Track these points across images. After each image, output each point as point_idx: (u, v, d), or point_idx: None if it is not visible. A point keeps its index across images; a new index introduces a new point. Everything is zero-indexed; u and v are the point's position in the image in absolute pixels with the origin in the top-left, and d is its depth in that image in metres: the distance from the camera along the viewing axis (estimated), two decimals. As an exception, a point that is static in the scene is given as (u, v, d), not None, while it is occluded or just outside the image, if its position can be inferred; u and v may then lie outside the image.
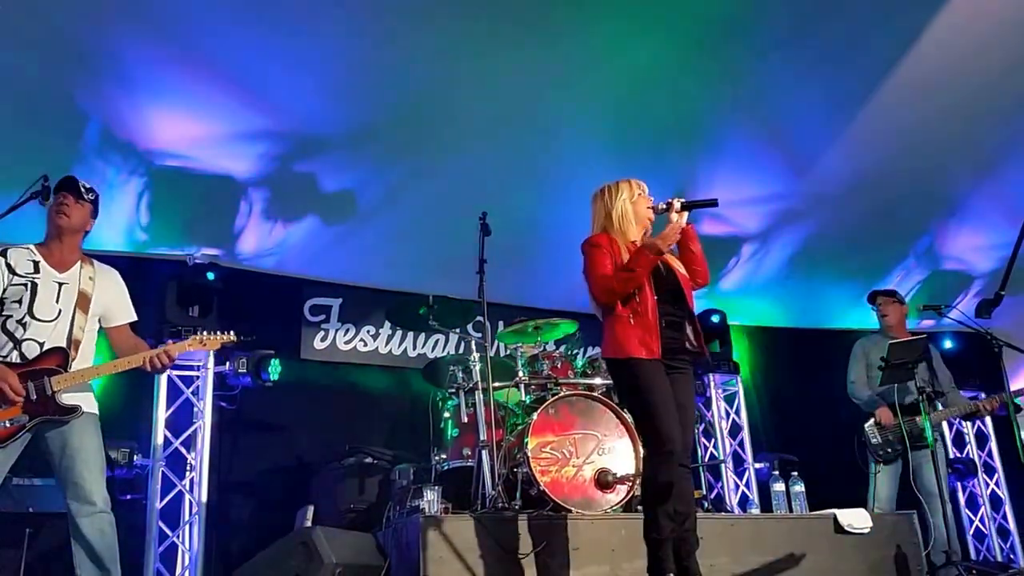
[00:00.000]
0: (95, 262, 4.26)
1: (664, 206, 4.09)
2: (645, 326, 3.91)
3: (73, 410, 3.88)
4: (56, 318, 4.00)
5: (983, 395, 6.75)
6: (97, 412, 4.05)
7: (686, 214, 4.06)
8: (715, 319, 7.96)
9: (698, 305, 7.91)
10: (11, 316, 3.94)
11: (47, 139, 5.68)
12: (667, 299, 4.02)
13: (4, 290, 3.96)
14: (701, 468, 6.82)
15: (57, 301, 4.03)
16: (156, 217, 6.41)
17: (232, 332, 4.34)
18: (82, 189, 4.12)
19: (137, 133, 5.88)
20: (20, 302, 3.95)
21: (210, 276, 6.25)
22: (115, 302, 4.25)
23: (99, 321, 4.20)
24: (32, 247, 4.12)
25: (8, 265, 4.00)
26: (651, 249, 3.93)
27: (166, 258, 6.24)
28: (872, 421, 6.13)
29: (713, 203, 4.09)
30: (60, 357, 3.94)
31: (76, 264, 4.15)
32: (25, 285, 3.98)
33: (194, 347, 4.30)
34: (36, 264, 4.06)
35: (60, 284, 4.06)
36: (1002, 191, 7.24)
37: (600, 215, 4.23)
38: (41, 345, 3.93)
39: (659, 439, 3.82)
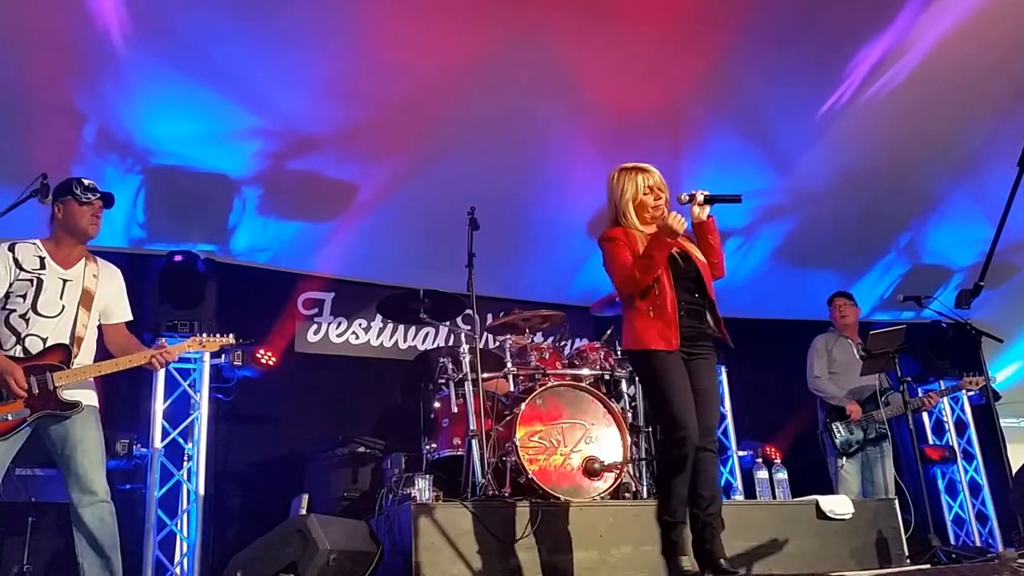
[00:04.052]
0: (99, 259, 4.31)
1: (688, 197, 3.99)
2: (665, 319, 3.90)
3: (74, 406, 3.94)
4: (59, 314, 4.06)
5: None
6: (97, 405, 4.12)
7: (708, 208, 4.01)
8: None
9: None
10: (15, 311, 3.99)
11: (46, 138, 5.73)
12: (687, 287, 4.01)
13: (10, 284, 4.01)
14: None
15: (61, 297, 4.08)
16: (152, 214, 6.45)
17: (231, 335, 4.43)
18: (113, 199, 4.22)
19: (133, 132, 5.94)
20: (24, 297, 4.00)
21: (204, 270, 6.29)
22: (115, 301, 4.31)
23: (98, 317, 4.26)
24: (39, 243, 4.16)
25: (15, 260, 4.05)
26: (666, 232, 3.84)
27: (162, 254, 6.29)
28: (840, 419, 6.32)
29: (737, 199, 3.99)
30: (63, 353, 4.00)
31: (81, 261, 4.20)
32: (31, 281, 4.03)
33: (193, 348, 4.40)
34: (42, 260, 4.10)
35: (65, 281, 4.11)
36: (981, 187, 7.32)
37: (611, 205, 4.18)
38: (44, 341, 3.99)
39: (672, 424, 3.86)
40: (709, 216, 4.04)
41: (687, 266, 4.05)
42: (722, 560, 3.79)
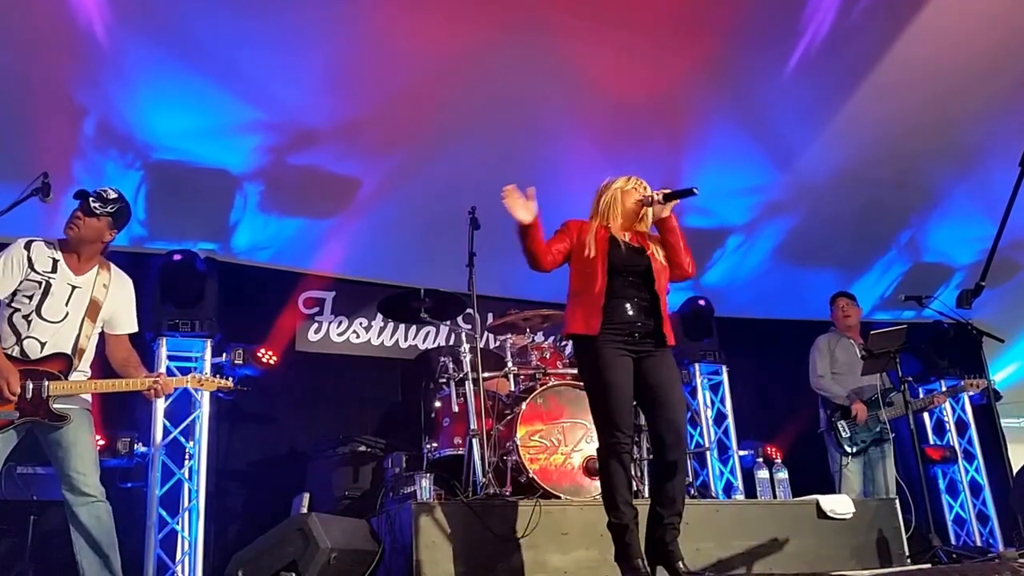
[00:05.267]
0: (113, 268, 4.27)
1: (650, 198, 4.04)
2: (589, 304, 3.91)
3: (63, 418, 3.92)
4: (62, 320, 4.03)
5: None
6: (90, 407, 4.12)
7: (670, 205, 4.00)
8: (700, 309, 8.05)
9: (683, 296, 8.06)
10: (19, 311, 3.97)
11: (46, 134, 5.71)
12: (636, 284, 3.99)
13: (20, 282, 3.98)
14: (687, 455, 6.94)
15: (67, 304, 4.05)
16: (153, 211, 6.44)
17: (231, 379, 4.45)
18: (92, 205, 4.05)
19: (134, 127, 5.93)
20: (31, 298, 3.98)
21: (204, 269, 6.28)
22: (122, 311, 4.27)
23: (101, 326, 4.23)
24: (56, 244, 4.12)
25: (29, 259, 4.02)
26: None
27: (163, 253, 6.28)
28: (845, 418, 6.33)
29: (692, 192, 3.95)
30: (63, 363, 3.99)
31: (93, 269, 4.16)
32: (40, 283, 4.00)
33: (192, 385, 4.42)
34: (55, 263, 4.07)
35: (73, 287, 4.08)
36: (982, 185, 7.32)
37: (594, 202, 4.20)
38: (42, 345, 3.97)
39: (604, 425, 3.89)
40: (670, 214, 4.04)
41: (632, 257, 4.02)
42: (680, 563, 3.77)
